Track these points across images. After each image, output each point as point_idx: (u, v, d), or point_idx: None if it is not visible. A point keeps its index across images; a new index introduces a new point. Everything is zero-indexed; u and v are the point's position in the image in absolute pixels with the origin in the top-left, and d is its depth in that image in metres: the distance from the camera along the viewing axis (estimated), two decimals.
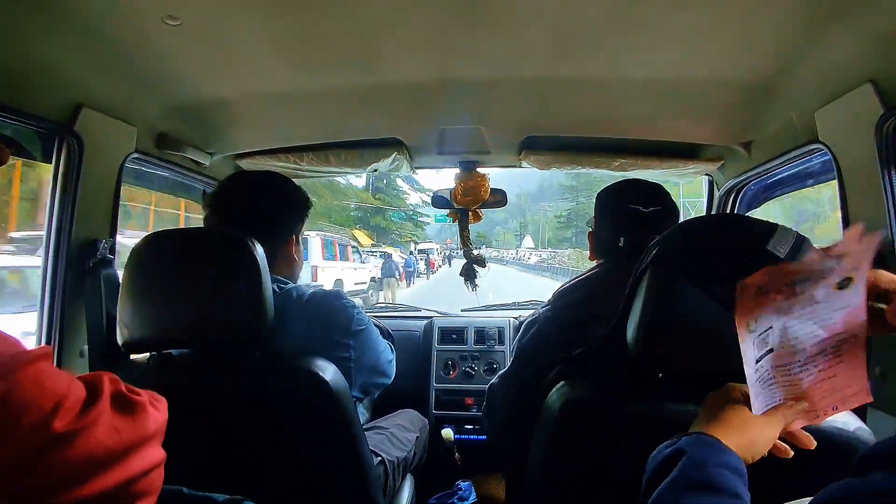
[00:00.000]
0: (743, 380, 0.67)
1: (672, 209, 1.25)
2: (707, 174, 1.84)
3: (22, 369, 0.48)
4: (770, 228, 0.71)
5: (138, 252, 1.00)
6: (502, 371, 1.34)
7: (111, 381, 0.58)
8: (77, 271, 1.20)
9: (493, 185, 2.01)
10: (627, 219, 1.22)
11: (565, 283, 1.29)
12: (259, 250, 0.99)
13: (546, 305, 1.27)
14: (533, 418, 0.99)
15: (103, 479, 0.51)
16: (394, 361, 1.32)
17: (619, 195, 1.29)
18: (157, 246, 1.02)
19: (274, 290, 1.11)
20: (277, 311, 1.07)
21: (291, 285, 1.17)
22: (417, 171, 2.12)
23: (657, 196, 1.24)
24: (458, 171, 1.99)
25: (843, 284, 0.61)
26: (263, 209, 1.18)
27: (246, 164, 1.83)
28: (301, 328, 1.10)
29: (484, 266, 2.28)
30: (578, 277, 1.28)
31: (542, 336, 1.22)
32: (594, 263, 1.32)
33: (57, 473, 0.49)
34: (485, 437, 2.04)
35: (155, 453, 0.59)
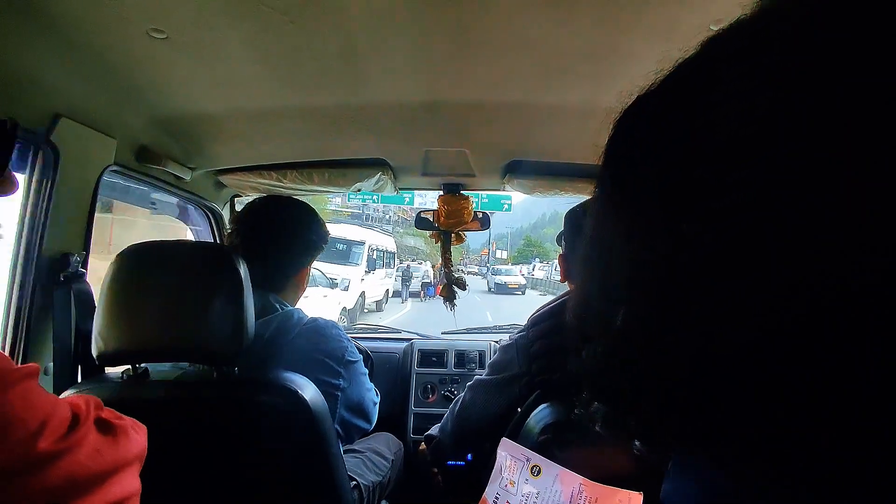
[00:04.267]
0: None
1: None
2: None
3: (11, 387, 0.48)
4: None
5: (121, 262, 0.99)
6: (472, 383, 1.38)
7: (96, 405, 0.58)
8: (46, 285, 1.16)
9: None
10: None
11: (539, 310, 1.29)
12: (242, 265, 0.98)
13: (521, 332, 1.28)
14: (512, 440, 0.97)
15: (83, 502, 0.50)
16: (377, 406, 1.32)
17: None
18: (139, 257, 1.01)
19: (276, 308, 1.13)
20: (277, 332, 1.09)
21: (290, 308, 1.18)
22: (401, 191, 2.12)
23: None
24: (441, 193, 2.00)
25: (535, 471, 0.76)
26: (288, 239, 1.22)
27: (228, 180, 1.81)
28: (297, 351, 1.11)
29: (463, 289, 2.29)
30: (551, 304, 1.28)
31: (514, 357, 1.25)
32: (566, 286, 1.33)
33: (37, 493, 0.48)
34: (463, 462, 2.01)
35: (133, 481, 0.59)
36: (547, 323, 1.24)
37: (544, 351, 1.19)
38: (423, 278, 19.93)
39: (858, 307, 0.20)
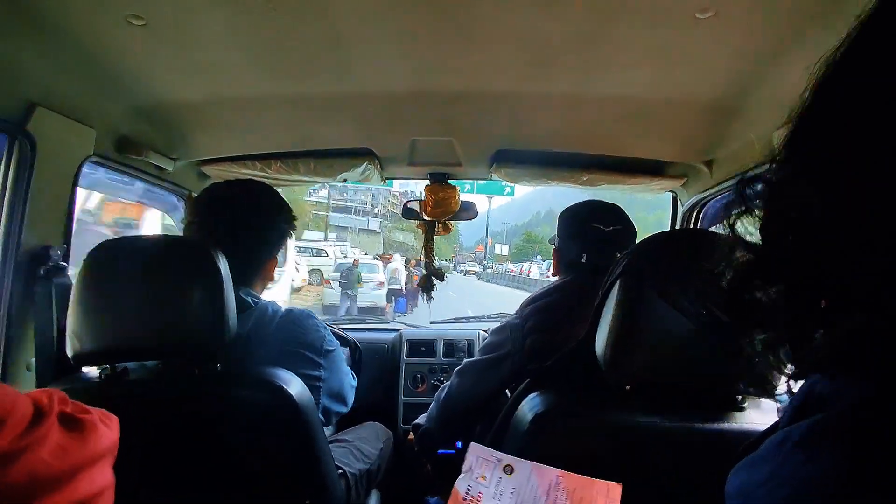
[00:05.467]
0: (711, 393, 0.69)
1: (630, 228, 1.36)
2: (671, 191, 1.89)
3: None
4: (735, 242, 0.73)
5: (92, 259, 0.96)
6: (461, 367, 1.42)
7: (60, 399, 0.55)
8: (26, 279, 1.13)
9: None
10: (590, 237, 1.33)
11: (532, 294, 1.37)
12: (221, 259, 0.96)
13: (514, 314, 1.35)
14: (502, 430, 0.98)
15: (47, 501, 0.48)
16: (354, 389, 1.33)
17: (582, 215, 1.39)
18: (112, 252, 0.98)
19: (249, 303, 1.10)
20: (254, 327, 1.07)
21: (265, 300, 1.16)
22: (388, 181, 2.11)
23: (617, 216, 1.35)
24: (428, 182, 2.00)
25: (508, 470, 0.78)
26: (255, 227, 1.16)
27: (211, 171, 1.78)
28: (274, 343, 1.09)
29: (442, 280, 2.33)
30: (544, 289, 1.35)
31: (507, 337, 1.31)
32: (556, 279, 1.41)
33: None
34: (453, 451, 2.02)
35: (104, 476, 0.57)
36: (542, 301, 1.30)
37: (539, 328, 1.25)
38: (390, 282, 13.08)
39: None
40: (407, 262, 15.38)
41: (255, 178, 1.77)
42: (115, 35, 1.00)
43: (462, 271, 39.04)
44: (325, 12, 0.96)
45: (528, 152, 1.72)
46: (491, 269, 39.44)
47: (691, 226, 1.84)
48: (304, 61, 1.15)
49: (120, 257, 0.98)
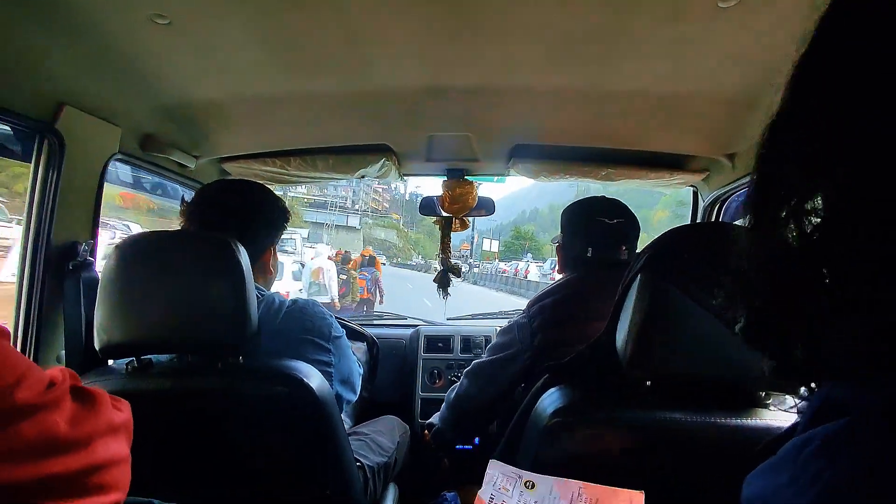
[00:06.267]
0: (734, 389, 0.67)
1: (633, 221, 1.37)
2: (692, 185, 1.86)
3: None
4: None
5: (118, 254, 0.98)
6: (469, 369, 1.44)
7: (71, 376, 0.57)
8: (56, 274, 1.17)
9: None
10: (595, 231, 1.34)
11: (538, 294, 1.38)
12: (243, 253, 0.98)
13: (521, 313, 1.37)
14: (519, 426, 0.98)
15: (64, 461, 0.50)
16: (361, 377, 1.35)
17: (586, 210, 1.40)
18: (138, 248, 1.00)
19: (256, 296, 1.11)
20: (262, 318, 1.07)
21: (270, 293, 1.18)
22: (406, 177, 2.11)
23: (620, 209, 1.36)
24: (445, 178, 2.00)
25: (529, 486, 0.78)
26: (242, 219, 1.18)
27: (231, 168, 1.80)
28: (284, 333, 1.11)
29: (459, 276, 2.34)
30: (549, 287, 1.37)
31: (515, 336, 1.33)
32: (561, 277, 1.41)
33: (16, 445, 0.47)
34: (470, 446, 2.03)
35: (119, 448, 0.58)
36: (548, 300, 1.31)
37: (547, 325, 1.26)
38: (310, 290, 8.57)
39: None
40: (346, 260, 10.26)
41: (278, 176, 1.80)
42: (140, 35, 1.02)
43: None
44: (343, 10, 0.96)
45: (546, 147, 1.71)
46: (478, 268, 33.53)
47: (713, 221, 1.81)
48: (323, 59, 1.16)
49: (145, 252, 1.00)
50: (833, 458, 0.30)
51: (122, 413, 0.62)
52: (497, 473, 0.81)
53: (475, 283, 27.49)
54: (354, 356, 1.31)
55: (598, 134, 1.60)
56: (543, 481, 0.78)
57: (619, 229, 1.33)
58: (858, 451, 0.30)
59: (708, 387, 0.83)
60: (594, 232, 1.34)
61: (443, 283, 2.28)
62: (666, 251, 0.82)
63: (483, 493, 0.79)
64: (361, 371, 1.35)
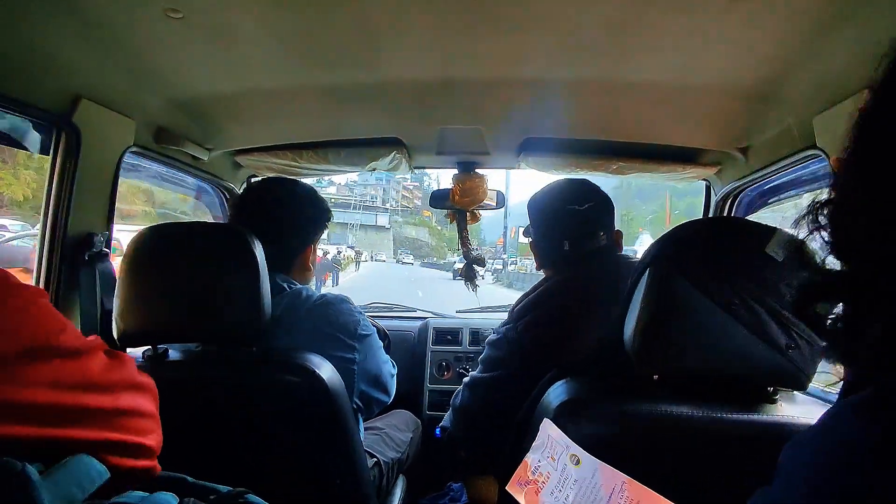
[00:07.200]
0: (742, 384, 0.67)
1: (605, 201, 1.27)
2: (704, 179, 1.84)
3: (35, 297, 0.55)
4: (769, 231, 0.71)
5: (137, 244, 1.00)
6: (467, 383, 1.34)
7: (98, 340, 0.63)
8: (72, 265, 1.19)
9: None
10: (567, 221, 1.24)
11: (525, 301, 1.27)
12: (258, 245, 0.99)
13: (507, 323, 1.25)
14: (526, 418, 0.99)
15: (97, 398, 0.56)
16: (395, 378, 1.32)
17: (555, 198, 1.30)
18: (156, 238, 1.03)
19: (284, 288, 1.14)
20: (287, 309, 1.10)
21: (301, 286, 1.19)
22: (416, 170, 2.12)
23: (589, 190, 1.27)
24: (456, 171, 2.00)
25: (574, 460, 0.75)
26: (288, 217, 1.22)
27: (245, 161, 1.82)
28: (308, 327, 1.12)
29: (483, 266, 2.30)
30: (530, 299, 1.26)
31: (505, 354, 1.22)
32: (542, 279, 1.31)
33: (60, 376, 0.53)
34: None
35: (144, 403, 0.64)
36: (530, 316, 1.22)
37: (539, 342, 1.18)
38: None
39: None
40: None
41: (290, 169, 1.81)
42: (154, 28, 1.04)
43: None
44: (356, 3, 0.97)
45: (556, 140, 1.70)
46: (514, 265, 29.74)
47: (725, 215, 1.79)
48: (335, 52, 1.16)
49: (162, 243, 1.02)
50: (866, 418, 0.31)
51: (147, 378, 0.67)
52: (548, 437, 0.79)
53: (510, 285, 22.63)
54: (385, 355, 1.29)
55: (609, 127, 1.59)
56: (588, 461, 0.75)
57: (592, 214, 1.25)
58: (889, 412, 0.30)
59: (716, 381, 0.83)
60: (567, 223, 1.25)
61: (468, 275, 2.27)
62: (676, 245, 0.82)
63: (531, 456, 0.78)
64: (395, 371, 1.32)
